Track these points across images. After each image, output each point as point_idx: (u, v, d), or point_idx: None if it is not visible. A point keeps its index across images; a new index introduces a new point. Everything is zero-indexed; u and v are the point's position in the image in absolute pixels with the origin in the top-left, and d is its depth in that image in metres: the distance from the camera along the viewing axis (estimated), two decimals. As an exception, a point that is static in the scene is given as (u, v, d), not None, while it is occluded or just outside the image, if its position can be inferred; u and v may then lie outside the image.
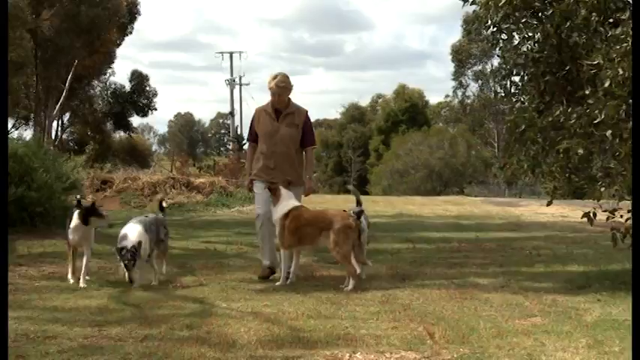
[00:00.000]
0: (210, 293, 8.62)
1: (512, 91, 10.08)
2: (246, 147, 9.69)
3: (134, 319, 7.24)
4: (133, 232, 8.84)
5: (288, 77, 9.75)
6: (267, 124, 9.75)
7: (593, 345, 6.20)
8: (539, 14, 9.49)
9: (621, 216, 9.32)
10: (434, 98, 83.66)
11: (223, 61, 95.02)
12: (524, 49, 9.62)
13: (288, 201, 9.15)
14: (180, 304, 7.86)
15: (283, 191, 9.16)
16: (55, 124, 50.33)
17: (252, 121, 10.15)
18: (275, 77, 9.65)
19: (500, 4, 9.35)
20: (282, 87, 9.62)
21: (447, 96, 72.25)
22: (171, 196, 25.23)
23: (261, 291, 8.71)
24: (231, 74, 67.28)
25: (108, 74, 56.69)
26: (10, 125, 48.79)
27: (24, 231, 14.31)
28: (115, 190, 26.44)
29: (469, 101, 65.94)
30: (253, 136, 10.04)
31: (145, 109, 62.70)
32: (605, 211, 9.31)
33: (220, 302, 8.03)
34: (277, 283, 9.11)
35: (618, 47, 8.28)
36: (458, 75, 66.44)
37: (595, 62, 8.46)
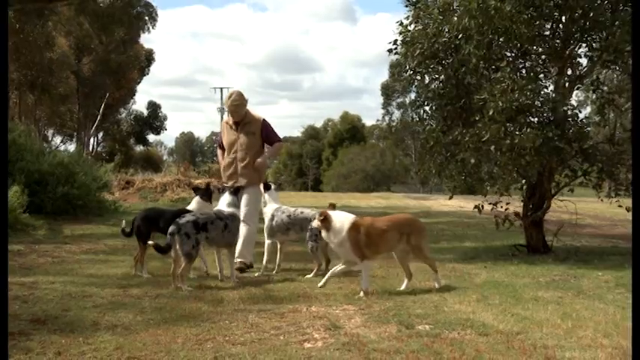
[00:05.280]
0: (205, 264, 8.56)
1: (424, 117, 10.12)
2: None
3: (149, 283, 7.16)
4: None
5: (241, 94, 8.37)
6: (229, 135, 8.46)
7: (480, 299, 6.24)
8: (443, 62, 9.54)
9: (501, 207, 9.43)
10: (368, 122, 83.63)
11: (215, 94, 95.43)
12: (433, 87, 9.67)
13: (342, 218, 6.68)
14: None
15: (331, 214, 6.69)
16: (92, 140, 49.81)
17: (220, 131, 8.90)
18: (230, 96, 8.37)
19: (414, 55, 9.39)
20: (235, 105, 8.29)
21: (377, 120, 72.90)
22: (177, 192, 25.11)
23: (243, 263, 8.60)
24: (221, 104, 66.37)
25: (131, 103, 56.41)
26: (59, 141, 48.19)
27: (68, 218, 14.15)
28: (135, 189, 26.26)
29: (394, 124, 66.21)
30: (222, 144, 8.67)
31: (158, 129, 62.39)
32: (490, 203, 9.41)
33: (213, 270, 7.93)
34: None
35: (499, 86, 8.39)
36: (386, 105, 66.95)
37: (482, 97, 8.54)
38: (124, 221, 8.18)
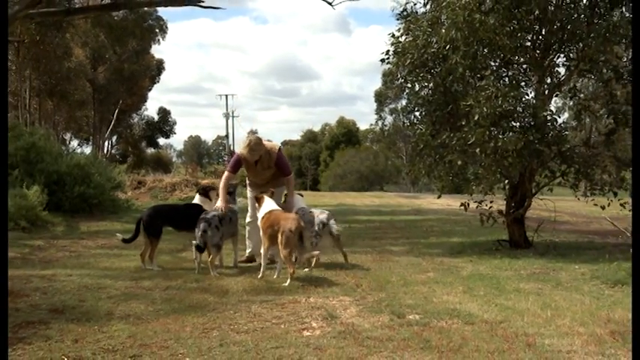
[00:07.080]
0: (211, 258, 8.54)
1: (415, 122, 10.11)
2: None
3: (159, 276, 7.16)
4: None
5: (259, 144, 7.87)
6: (251, 168, 8.05)
7: (466, 291, 6.25)
8: (432, 71, 9.54)
9: (485, 205, 9.43)
10: (363, 126, 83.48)
11: (220, 101, 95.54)
12: (422, 94, 9.66)
13: (266, 206, 7.26)
14: (190, 265, 7.76)
15: (264, 199, 7.38)
16: (106, 143, 49.74)
17: (237, 159, 8.08)
18: (249, 144, 7.81)
19: (405, 64, 9.40)
20: (253, 153, 7.79)
21: (371, 124, 72.56)
22: (185, 192, 25.11)
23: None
24: (226, 109, 65.93)
25: (142, 109, 56.32)
26: (76, 144, 48.15)
27: (85, 216, 14.17)
28: (146, 188, 26.31)
29: (386, 128, 66.05)
30: (234, 169, 8.07)
31: (167, 133, 62.45)
32: (475, 202, 9.41)
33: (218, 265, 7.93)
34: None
35: (483, 93, 8.39)
36: (379, 111, 66.50)
37: (468, 103, 8.54)
38: (118, 234, 8.25)
